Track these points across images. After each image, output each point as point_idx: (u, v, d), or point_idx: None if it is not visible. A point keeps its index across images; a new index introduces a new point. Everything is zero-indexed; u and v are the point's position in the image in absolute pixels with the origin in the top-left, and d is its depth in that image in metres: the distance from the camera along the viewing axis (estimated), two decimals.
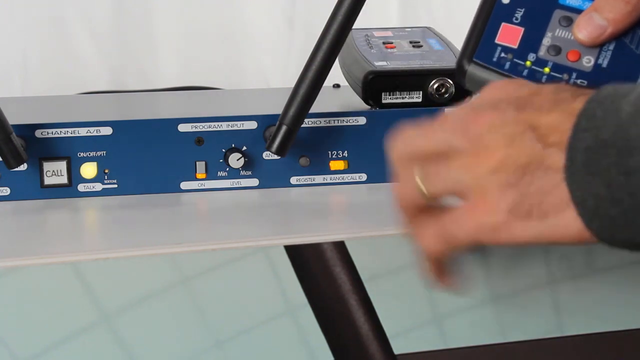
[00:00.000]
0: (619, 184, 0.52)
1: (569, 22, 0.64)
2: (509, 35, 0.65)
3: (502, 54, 0.65)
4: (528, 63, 0.64)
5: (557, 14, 0.65)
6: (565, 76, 0.63)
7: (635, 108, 0.52)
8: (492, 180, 0.55)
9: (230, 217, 0.80)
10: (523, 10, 0.66)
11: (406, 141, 0.59)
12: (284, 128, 0.82)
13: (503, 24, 0.65)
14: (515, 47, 0.65)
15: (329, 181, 0.87)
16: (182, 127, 0.84)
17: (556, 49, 0.64)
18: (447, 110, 0.62)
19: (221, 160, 0.85)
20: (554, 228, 0.54)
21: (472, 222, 0.56)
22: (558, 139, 0.54)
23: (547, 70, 0.63)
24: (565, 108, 0.55)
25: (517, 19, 0.65)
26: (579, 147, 0.53)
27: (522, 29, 0.65)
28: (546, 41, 0.64)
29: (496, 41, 0.65)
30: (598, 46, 0.63)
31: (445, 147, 0.57)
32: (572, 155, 0.53)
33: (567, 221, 0.54)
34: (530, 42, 0.65)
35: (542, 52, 0.64)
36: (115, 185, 0.84)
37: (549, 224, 0.54)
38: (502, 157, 0.55)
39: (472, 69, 0.65)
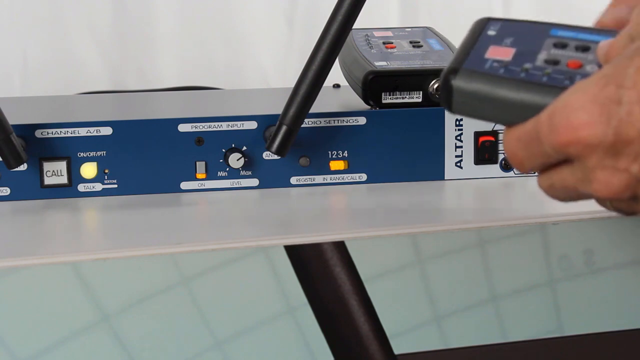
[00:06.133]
0: None
1: (564, 46, 0.59)
2: (500, 52, 0.59)
3: (494, 64, 0.58)
4: (525, 68, 0.58)
5: (549, 40, 0.59)
6: (567, 82, 0.56)
7: None
8: None
9: (230, 217, 0.80)
10: (512, 38, 0.60)
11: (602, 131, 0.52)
12: (284, 128, 0.82)
13: (492, 46, 0.59)
14: (509, 59, 0.58)
15: (329, 181, 0.87)
16: (182, 127, 0.84)
17: (554, 62, 0.58)
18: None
19: (221, 160, 0.85)
20: None
21: None
22: None
23: (547, 72, 0.57)
24: None
25: (506, 43, 0.59)
26: None
27: (513, 49, 0.59)
28: (542, 56, 0.58)
29: (486, 56, 0.59)
30: None
31: None
32: None
33: None
34: (525, 56, 0.58)
35: (538, 62, 0.58)
36: (115, 185, 0.84)
37: None
38: None
39: (459, 82, 0.57)
